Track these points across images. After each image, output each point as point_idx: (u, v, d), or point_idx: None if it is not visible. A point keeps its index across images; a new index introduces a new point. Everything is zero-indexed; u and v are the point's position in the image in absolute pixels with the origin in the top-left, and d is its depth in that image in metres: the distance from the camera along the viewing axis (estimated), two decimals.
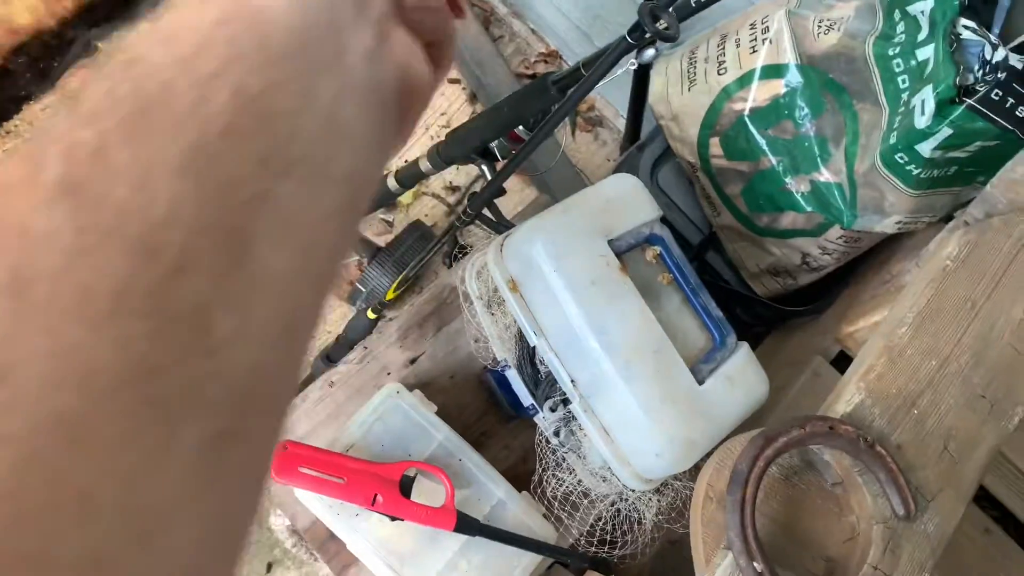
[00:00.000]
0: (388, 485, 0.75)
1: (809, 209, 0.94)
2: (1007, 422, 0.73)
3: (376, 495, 0.74)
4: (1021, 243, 0.77)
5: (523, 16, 1.49)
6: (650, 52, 0.74)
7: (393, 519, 0.76)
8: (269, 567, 1.32)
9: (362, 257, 1.20)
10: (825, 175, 0.91)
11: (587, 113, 1.49)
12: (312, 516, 0.86)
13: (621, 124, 1.49)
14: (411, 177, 1.04)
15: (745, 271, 1.08)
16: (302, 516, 0.87)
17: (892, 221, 0.89)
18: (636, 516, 0.82)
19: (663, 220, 0.88)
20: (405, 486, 0.76)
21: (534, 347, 0.80)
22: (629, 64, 0.76)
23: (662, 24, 0.60)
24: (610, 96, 1.49)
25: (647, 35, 0.64)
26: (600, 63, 0.75)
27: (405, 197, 1.39)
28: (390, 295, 1.00)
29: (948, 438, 0.70)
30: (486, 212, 0.88)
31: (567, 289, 0.75)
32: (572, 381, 0.78)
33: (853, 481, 0.69)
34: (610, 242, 0.78)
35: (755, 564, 0.62)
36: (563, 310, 0.76)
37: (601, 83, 0.74)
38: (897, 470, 0.67)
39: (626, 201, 0.80)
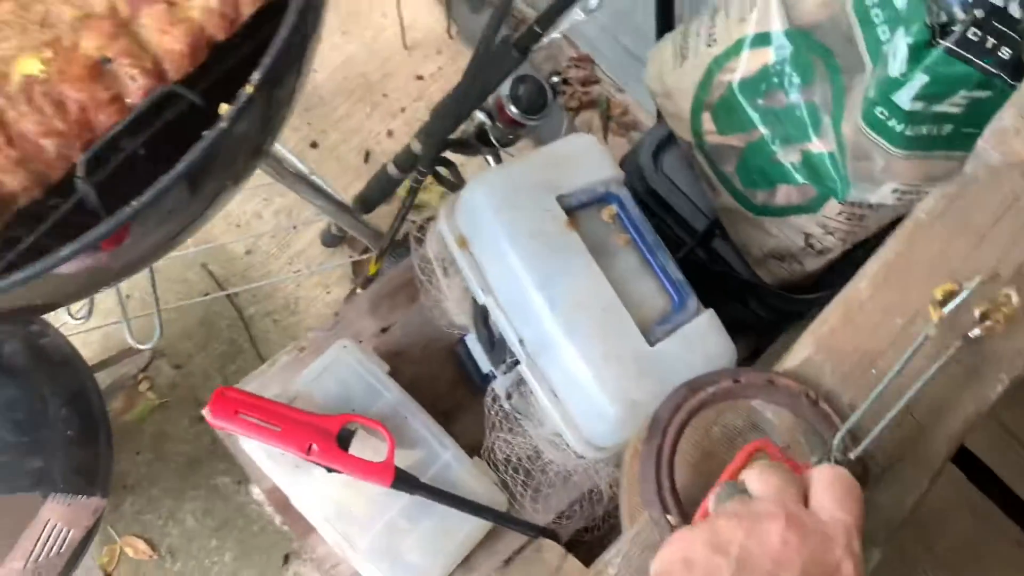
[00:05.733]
0: (325, 436, 0.74)
1: (801, 180, 0.89)
2: (988, 389, 0.65)
3: (311, 444, 0.74)
4: (1011, 200, 0.70)
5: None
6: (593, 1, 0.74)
7: (330, 471, 0.75)
8: (286, 559, 1.34)
9: (375, 251, 1.22)
10: (816, 144, 0.86)
11: (621, 117, 1.48)
12: (271, 481, 0.87)
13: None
14: (407, 160, 1.05)
15: (750, 256, 1.03)
16: (264, 480, 0.87)
17: (888, 190, 0.83)
18: (593, 488, 0.78)
19: (659, 198, 0.85)
20: (344, 439, 0.75)
21: (485, 307, 0.79)
22: (575, 15, 0.75)
23: None
24: (644, 101, 1.47)
25: None
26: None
27: (430, 199, 1.41)
28: (372, 270, 1.01)
29: (912, 402, 0.63)
30: (446, 174, 0.88)
31: (509, 241, 0.74)
32: (520, 340, 0.76)
33: (796, 441, 0.63)
34: (560, 198, 0.76)
35: (668, 517, 0.58)
36: (508, 265, 0.74)
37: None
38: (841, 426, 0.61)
39: (580, 159, 0.79)
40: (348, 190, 1.41)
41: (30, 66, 0.56)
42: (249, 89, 0.56)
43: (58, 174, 0.58)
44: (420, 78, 1.59)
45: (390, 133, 1.54)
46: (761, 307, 1.05)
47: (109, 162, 0.60)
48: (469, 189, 0.76)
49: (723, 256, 1.06)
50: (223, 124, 0.56)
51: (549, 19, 0.80)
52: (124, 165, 0.61)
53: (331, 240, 1.45)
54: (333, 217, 1.21)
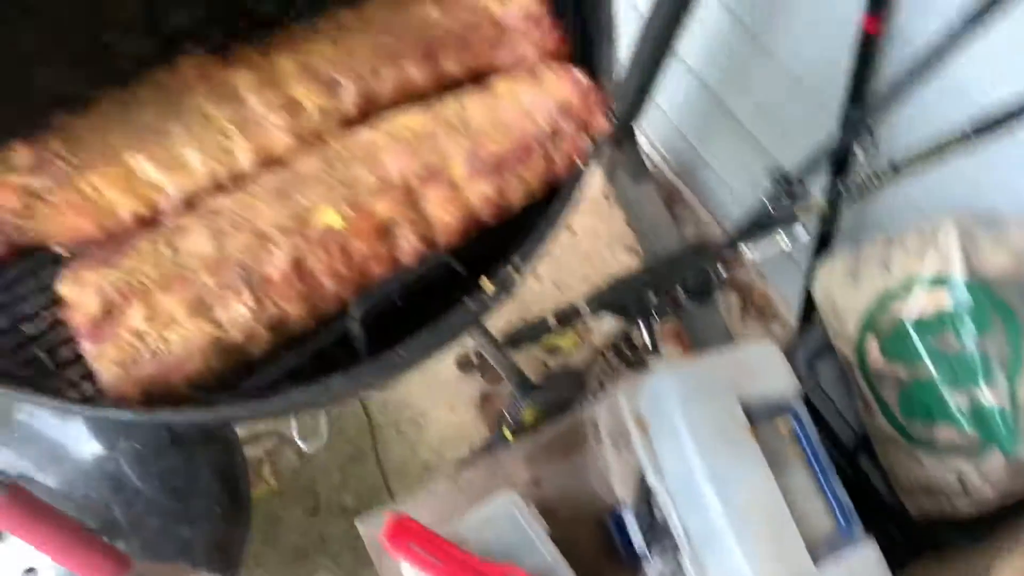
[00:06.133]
0: None
1: (967, 426, 0.90)
2: None
3: None
4: None
5: (706, 203, 1.57)
6: (801, 231, 0.80)
7: None
8: None
9: (514, 387, 1.27)
10: (987, 394, 0.88)
11: (760, 304, 1.52)
12: None
13: (794, 322, 1.51)
14: (567, 315, 1.12)
15: (897, 484, 1.03)
16: None
17: None
18: None
19: (810, 405, 0.88)
20: None
21: (652, 489, 0.82)
22: (783, 244, 0.82)
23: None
24: (787, 293, 1.51)
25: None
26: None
27: (567, 342, 1.47)
28: (530, 419, 1.06)
29: None
30: (627, 352, 0.93)
31: (691, 436, 0.78)
32: (685, 529, 0.79)
33: None
34: (742, 403, 0.80)
35: None
36: (685, 456, 0.78)
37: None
38: None
39: (764, 368, 0.83)
40: (491, 322, 1.47)
41: (332, 217, 0.64)
42: (516, 276, 0.63)
43: (331, 310, 0.66)
44: (572, 231, 1.69)
45: (537, 277, 1.62)
46: (900, 534, 1.04)
47: (373, 307, 0.67)
48: (658, 377, 0.81)
49: (867, 475, 1.07)
50: (489, 302, 0.63)
51: (748, 236, 0.86)
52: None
53: (466, 365, 1.52)
54: (480, 346, 1.28)
